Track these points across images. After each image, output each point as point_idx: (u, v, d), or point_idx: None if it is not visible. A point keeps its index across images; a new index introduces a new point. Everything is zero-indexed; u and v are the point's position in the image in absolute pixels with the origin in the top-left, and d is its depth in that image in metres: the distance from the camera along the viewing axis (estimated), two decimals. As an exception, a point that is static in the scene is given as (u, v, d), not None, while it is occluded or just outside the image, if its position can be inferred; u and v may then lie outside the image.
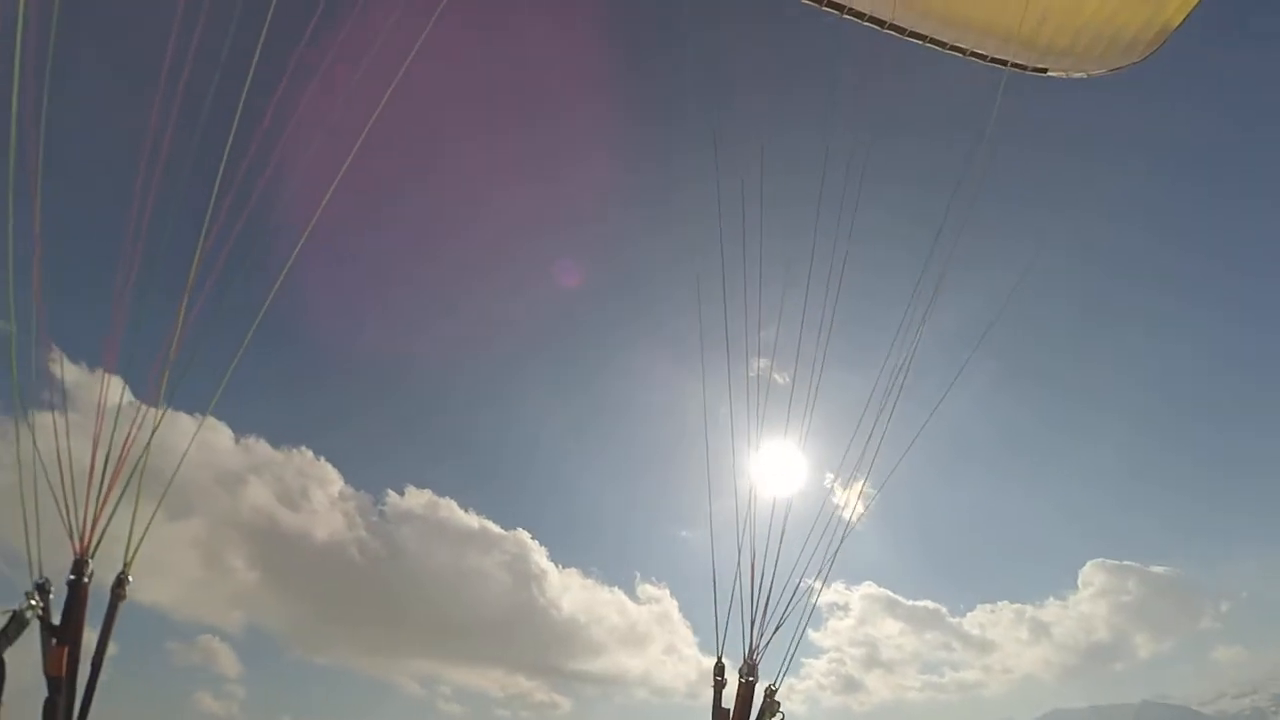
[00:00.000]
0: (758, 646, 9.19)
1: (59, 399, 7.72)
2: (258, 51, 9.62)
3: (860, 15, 11.98)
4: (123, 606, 7.25)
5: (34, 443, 7.12)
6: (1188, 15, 14.14)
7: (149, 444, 7.59)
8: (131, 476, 7.45)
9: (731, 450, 11.52)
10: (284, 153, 9.18)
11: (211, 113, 9.12)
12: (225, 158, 8.44)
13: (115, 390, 7.76)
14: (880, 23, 12.14)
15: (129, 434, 7.49)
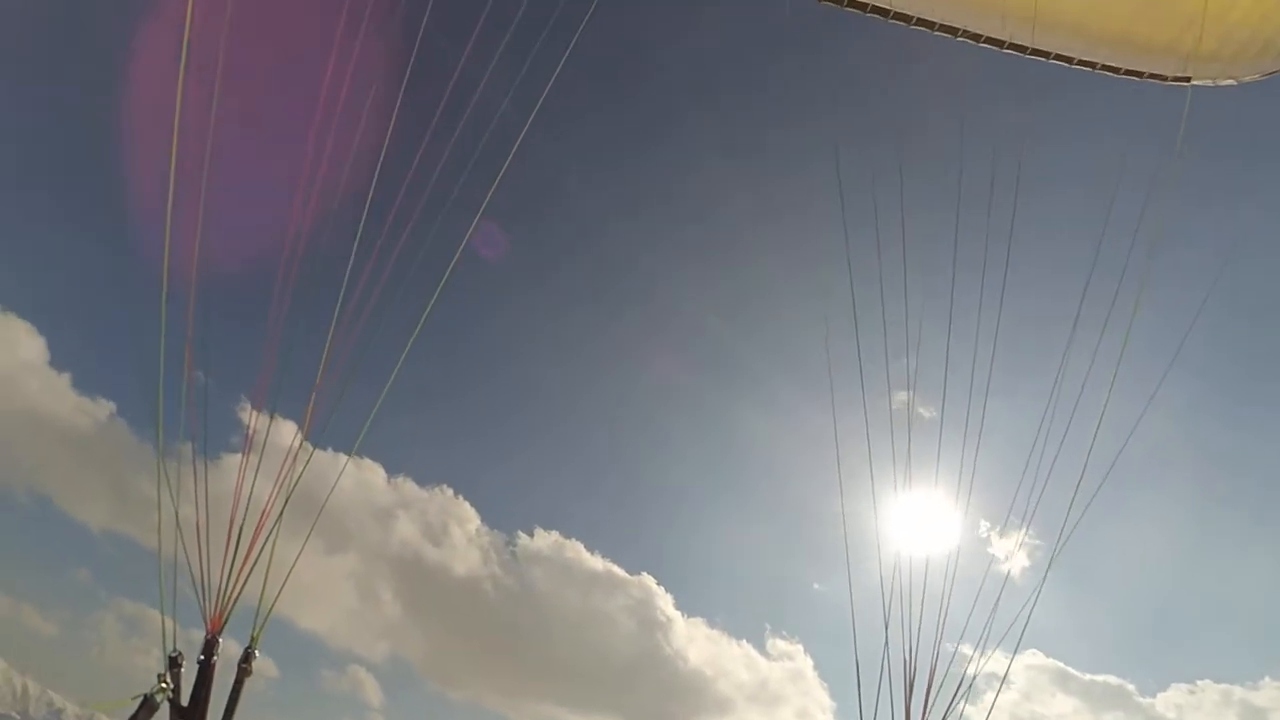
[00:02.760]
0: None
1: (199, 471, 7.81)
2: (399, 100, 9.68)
3: (1000, 43, 11.38)
4: (249, 683, 7.20)
5: (176, 515, 7.18)
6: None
7: (290, 489, 7.64)
8: (268, 539, 7.44)
9: (872, 493, 10.84)
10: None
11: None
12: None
13: (284, 434, 7.96)
14: (1022, 48, 11.49)
15: (285, 469, 7.59)
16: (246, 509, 7.11)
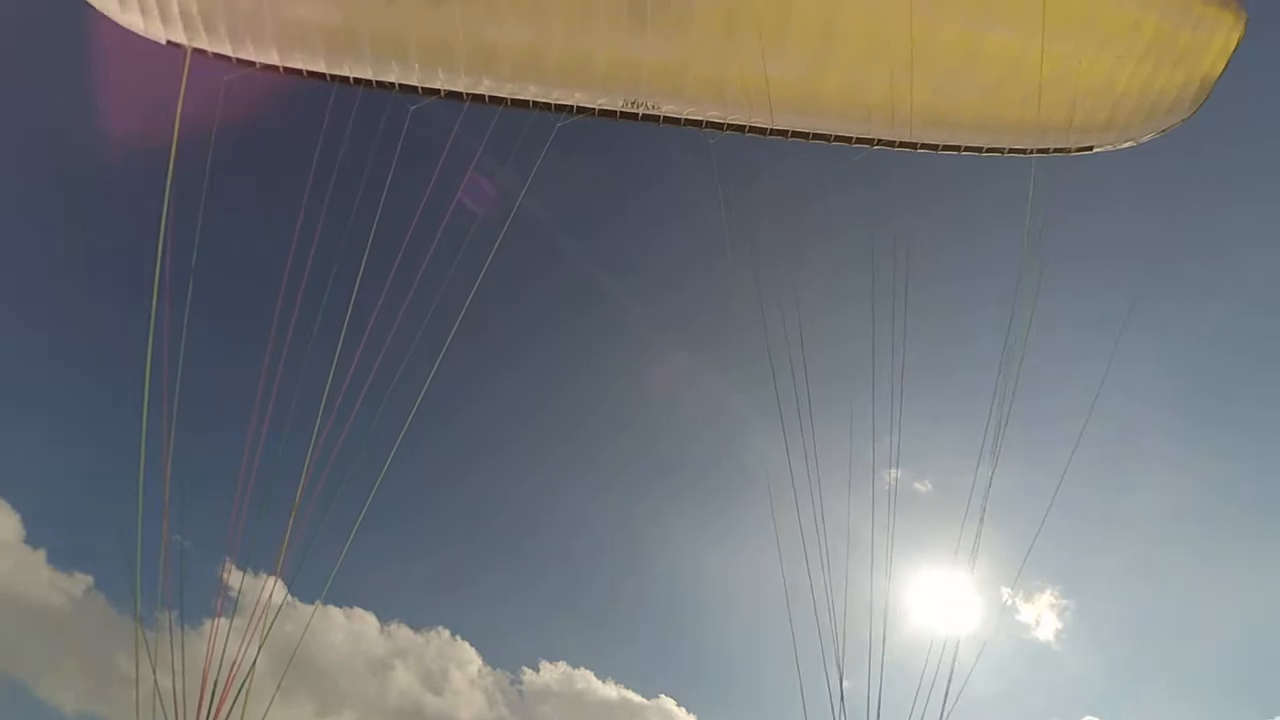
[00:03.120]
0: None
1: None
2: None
3: (892, 144, 12.57)
4: None
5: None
6: (1229, 62, 14.03)
7: (262, 640, 8.06)
8: (238, 694, 7.67)
9: (880, 572, 10.67)
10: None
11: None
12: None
13: (273, 590, 8.38)
14: (913, 145, 12.66)
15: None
16: (219, 672, 7.58)
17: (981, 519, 10.77)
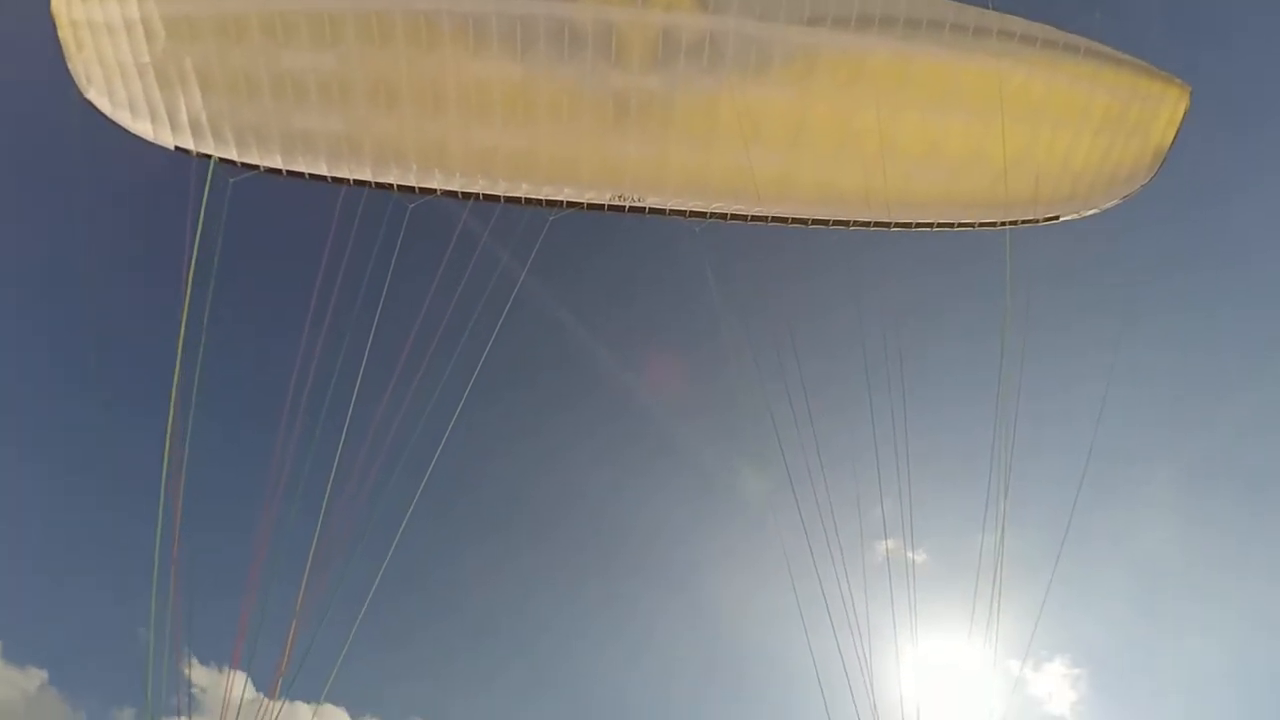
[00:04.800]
0: None
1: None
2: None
3: (867, 224, 13.31)
4: None
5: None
6: (1178, 131, 14.92)
7: None
8: None
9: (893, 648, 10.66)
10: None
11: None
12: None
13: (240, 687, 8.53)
14: (887, 225, 13.40)
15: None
16: None
17: (997, 587, 10.71)
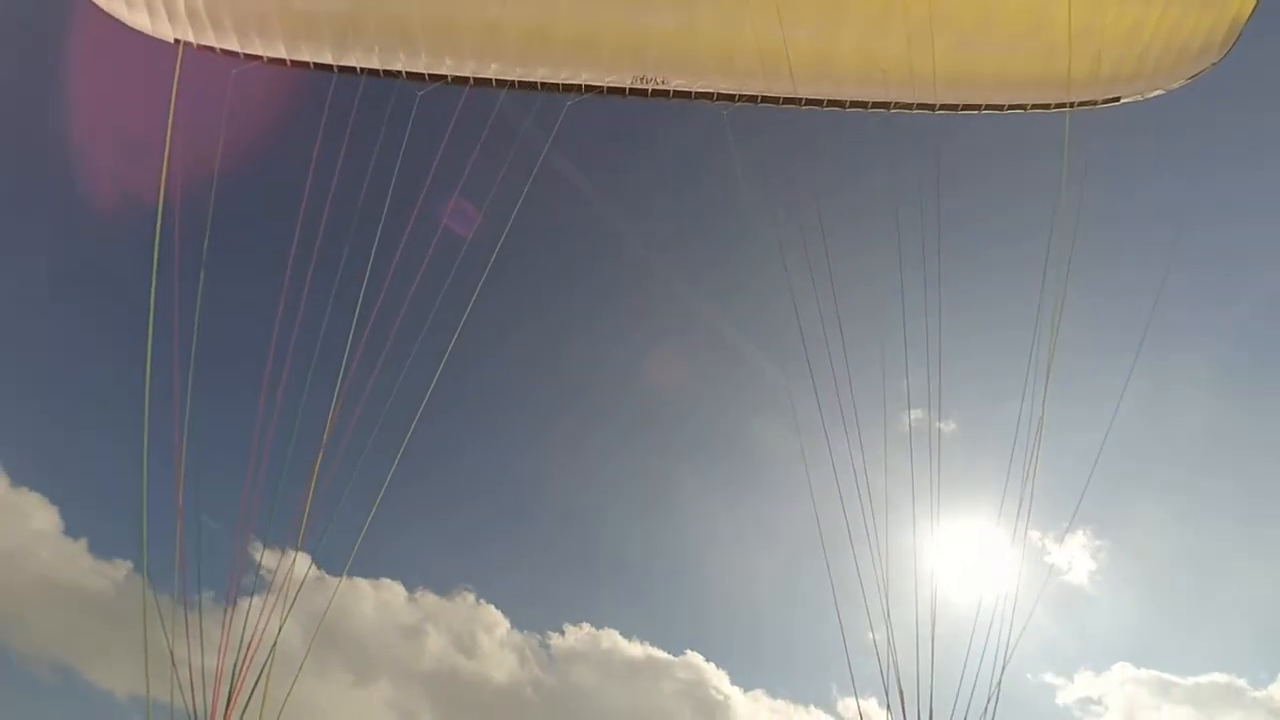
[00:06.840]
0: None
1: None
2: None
3: (909, 106, 12.24)
4: None
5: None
6: (1259, 2, 13.45)
7: (284, 618, 8.19)
8: (263, 671, 7.86)
9: (903, 523, 10.29)
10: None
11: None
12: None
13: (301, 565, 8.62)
14: (931, 107, 12.31)
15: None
16: (239, 651, 7.74)
17: (1033, 462, 10.19)
